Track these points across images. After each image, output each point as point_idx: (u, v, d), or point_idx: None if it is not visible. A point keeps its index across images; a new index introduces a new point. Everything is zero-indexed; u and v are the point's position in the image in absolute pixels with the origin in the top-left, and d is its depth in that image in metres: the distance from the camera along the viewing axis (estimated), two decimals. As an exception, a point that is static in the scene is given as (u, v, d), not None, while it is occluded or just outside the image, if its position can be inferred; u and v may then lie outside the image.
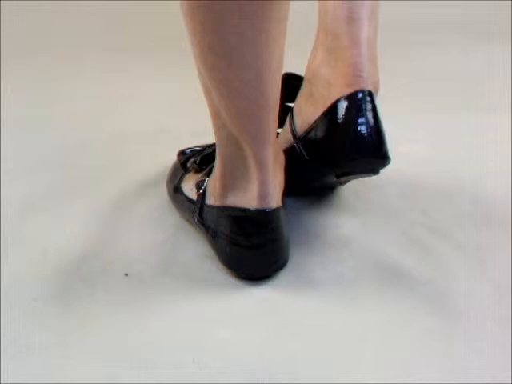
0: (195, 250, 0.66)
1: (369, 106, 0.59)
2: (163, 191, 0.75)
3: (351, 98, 0.59)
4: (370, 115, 0.59)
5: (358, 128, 0.59)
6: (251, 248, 0.59)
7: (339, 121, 0.60)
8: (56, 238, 0.68)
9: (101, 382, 0.50)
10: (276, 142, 0.60)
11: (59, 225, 0.67)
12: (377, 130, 0.59)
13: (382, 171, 0.77)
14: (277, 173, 0.60)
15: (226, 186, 0.60)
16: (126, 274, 0.62)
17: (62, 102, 1.06)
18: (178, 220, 0.71)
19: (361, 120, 0.59)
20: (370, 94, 0.59)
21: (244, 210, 0.58)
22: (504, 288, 0.59)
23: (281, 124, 0.68)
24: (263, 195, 0.58)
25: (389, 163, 0.60)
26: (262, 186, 0.58)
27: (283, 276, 0.62)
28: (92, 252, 0.66)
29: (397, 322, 0.56)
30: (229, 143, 0.57)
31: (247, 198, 0.59)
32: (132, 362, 0.52)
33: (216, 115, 0.56)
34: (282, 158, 0.63)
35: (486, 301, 0.58)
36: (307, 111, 0.64)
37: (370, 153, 0.59)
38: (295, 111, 0.67)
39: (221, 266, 0.63)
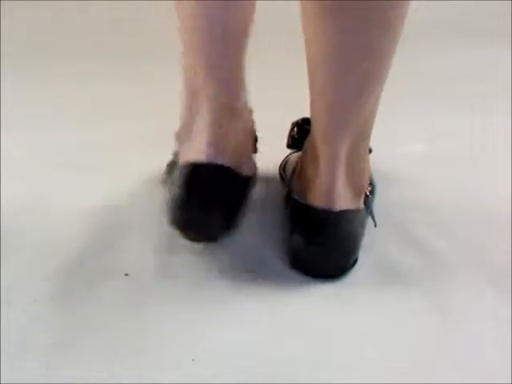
0: (195, 251, 0.65)
1: (329, 226, 0.59)
2: (164, 191, 0.75)
3: (317, 212, 0.60)
4: (325, 235, 0.59)
5: (309, 242, 0.59)
6: None
7: (301, 225, 0.60)
8: (56, 238, 0.68)
9: (101, 382, 0.50)
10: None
11: (59, 225, 0.67)
12: (323, 250, 0.59)
13: (383, 171, 0.77)
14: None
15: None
16: (126, 274, 0.62)
17: (62, 102, 1.06)
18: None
19: (315, 239, 0.59)
20: (337, 214, 0.59)
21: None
22: (504, 288, 0.59)
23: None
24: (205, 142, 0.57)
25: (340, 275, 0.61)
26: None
27: (283, 276, 0.62)
28: (92, 252, 0.65)
29: (397, 322, 0.56)
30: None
31: (193, 150, 0.58)
32: (132, 362, 0.52)
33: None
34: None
35: (486, 301, 0.58)
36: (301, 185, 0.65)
37: (306, 269, 0.61)
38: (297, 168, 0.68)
39: (220, 266, 0.63)
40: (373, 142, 0.74)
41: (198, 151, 0.57)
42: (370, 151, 0.71)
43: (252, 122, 0.65)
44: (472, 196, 0.74)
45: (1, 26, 1.28)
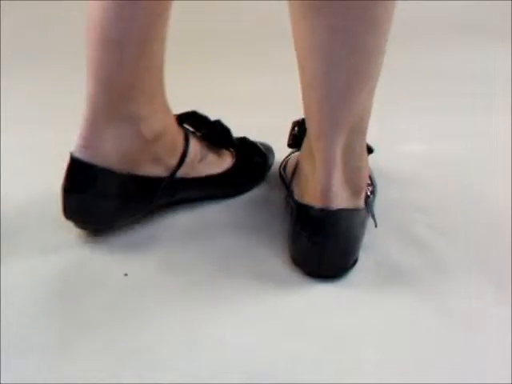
0: (195, 251, 0.65)
1: (327, 225, 0.59)
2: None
3: (314, 211, 0.60)
4: (324, 234, 0.59)
5: (308, 242, 0.60)
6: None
7: (300, 225, 0.61)
8: (56, 238, 0.68)
9: (101, 382, 0.50)
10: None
11: (59, 225, 0.67)
12: (322, 250, 0.60)
13: (383, 171, 0.77)
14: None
15: None
16: (126, 274, 0.62)
17: (62, 102, 1.05)
18: (178, 220, 0.70)
19: (314, 239, 0.59)
20: (335, 213, 0.59)
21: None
22: (504, 288, 0.59)
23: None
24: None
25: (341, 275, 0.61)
26: None
27: (282, 276, 0.62)
28: (92, 252, 0.65)
29: (397, 321, 0.56)
30: None
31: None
32: (132, 362, 0.52)
33: None
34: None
35: (486, 301, 0.58)
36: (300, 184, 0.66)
37: (306, 269, 0.61)
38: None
39: (221, 266, 0.63)
40: (373, 142, 0.74)
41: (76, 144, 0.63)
42: (371, 151, 0.71)
43: (156, 132, 0.65)
44: (472, 196, 0.74)
45: (1, 26, 1.28)
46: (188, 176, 0.69)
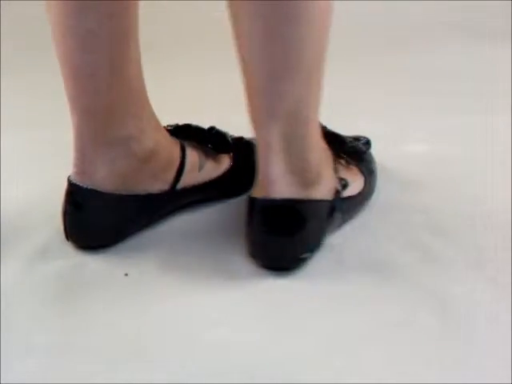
0: (195, 250, 0.65)
1: (270, 215, 0.60)
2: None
3: (257, 202, 0.60)
4: (268, 225, 0.60)
5: (256, 234, 0.61)
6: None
7: (249, 217, 0.62)
8: (56, 239, 0.68)
9: (101, 382, 0.50)
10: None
11: (59, 225, 0.67)
12: (268, 241, 0.61)
13: (382, 171, 0.77)
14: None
15: None
16: (126, 274, 0.62)
17: (62, 102, 1.05)
18: (178, 220, 0.70)
19: (261, 228, 0.60)
20: (277, 203, 0.59)
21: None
22: (504, 288, 0.59)
23: None
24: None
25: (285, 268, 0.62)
26: None
27: (282, 276, 0.62)
28: (92, 252, 0.65)
29: (397, 321, 0.56)
30: None
31: None
32: (132, 362, 0.52)
33: None
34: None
35: (486, 301, 0.58)
36: None
37: (260, 262, 0.62)
38: None
39: (221, 266, 0.63)
40: (373, 142, 0.74)
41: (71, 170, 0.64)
42: (369, 146, 0.71)
43: (149, 151, 0.65)
44: (472, 196, 0.74)
45: (1, 26, 1.28)
46: (188, 185, 0.69)
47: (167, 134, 0.68)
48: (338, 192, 0.64)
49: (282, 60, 0.56)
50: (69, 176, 0.64)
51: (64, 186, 0.64)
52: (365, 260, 0.63)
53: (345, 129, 0.72)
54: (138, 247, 0.66)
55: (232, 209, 0.73)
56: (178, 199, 0.69)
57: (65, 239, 0.66)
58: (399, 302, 0.58)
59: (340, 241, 0.66)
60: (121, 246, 0.66)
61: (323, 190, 0.63)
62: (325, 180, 0.63)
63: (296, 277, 0.61)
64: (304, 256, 0.62)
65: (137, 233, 0.68)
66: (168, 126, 0.70)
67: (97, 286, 0.61)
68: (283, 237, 0.60)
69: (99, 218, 0.65)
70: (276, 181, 0.59)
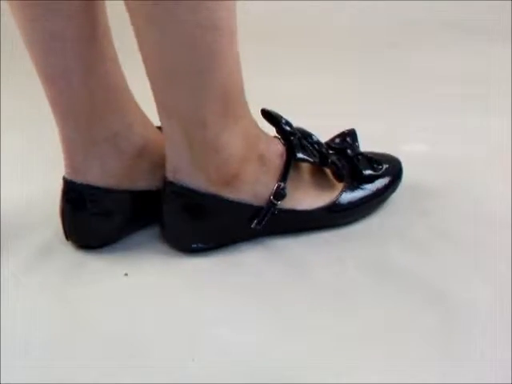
0: (195, 251, 0.65)
1: (163, 196, 0.62)
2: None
3: (164, 183, 0.62)
4: (163, 205, 0.62)
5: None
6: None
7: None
8: (56, 239, 0.68)
9: (101, 382, 0.50)
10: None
11: (59, 225, 0.67)
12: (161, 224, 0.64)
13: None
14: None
15: None
16: (126, 274, 0.62)
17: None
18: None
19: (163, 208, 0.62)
20: (169, 184, 0.61)
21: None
22: (504, 288, 0.59)
23: None
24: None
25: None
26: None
27: (283, 276, 0.62)
28: (92, 252, 0.66)
29: (397, 322, 0.56)
30: None
31: None
32: (132, 362, 0.52)
33: None
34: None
35: (486, 301, 0.58)
36: None
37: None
38: None
39: (221, 266, 0.63)
40: (373, 142, 0.74)
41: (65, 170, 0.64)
42: (356, 145, 0.70)
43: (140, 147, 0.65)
44: (472, 196, 0.74)
45: (1, 26, 1.28)
46: None
47: (158, 131, 0.68)
48: (271, 202, 0.63)
49: (172, 61, 0.55)
50: (63, 175, 0.64)
51: (60, 186, 0.64)
52: (365, 260, 0.63)
53: (345, 128, 0.72)
54: (137, 247, 0.66)
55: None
56: None
57: (65, 239, 0.66)
58: (399, 302, 0.58)
59: (339, 240, 0.66)
60: (121, 246, 0.66)
61: (243, 193, 0.62)
62: (248, 184, 0.62)
63: (296, 277, 0.61)
64: (195, 246, 0.64)
65: (137, 231, 0.68)
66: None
67: (97, 286, 0.61)
68: (181, 222, 0.63)
69: (97, 216, 0.64)
70: (180, 170, 0.60)
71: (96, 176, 0.63)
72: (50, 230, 0.69)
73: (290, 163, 0.64)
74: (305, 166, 0.67)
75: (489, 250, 0.65)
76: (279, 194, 0.63)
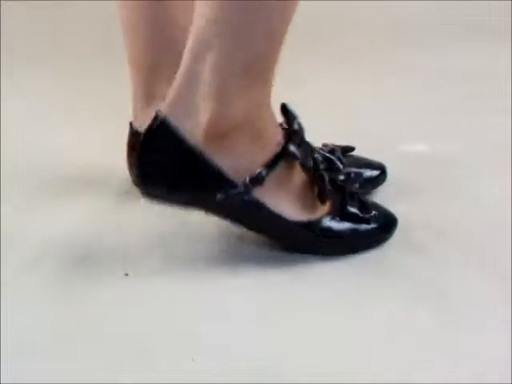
0: (195, 250, 0.66)
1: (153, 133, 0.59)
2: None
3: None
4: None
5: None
6: None
7: None
8: (56, 239, 0.68)
9: (101, 382, 0.50)
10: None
11: (59, 225, 0.67)
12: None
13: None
14: None
15: None
16: (126, 274, 0.62)
17: (62, 101, 1.06)
18: (178, 220, 0.71)
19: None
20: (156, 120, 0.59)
21: None
22: (504, 288, 0.59)
23: None
24: None
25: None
26: None
27: (283, 275, 0.62)
28: (92, 252, 0.66)
29: (397, 321, 0.56)
30: None
31: None
32: (132, 362, 0.52)
33: None
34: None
35: (486, 301, 0.58)
36: None
37: None
38: None
39: (221, 266, 0.63)
40: (373, 142, 0.74)
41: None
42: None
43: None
44: (472, 196, 0.74)
45: (1, 26, 1.28)
46: None
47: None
48: (245, 181, 0.60)
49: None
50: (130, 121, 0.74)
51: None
52: (364, 260, 0.63)
53: (345, 129, 0.72)
54: (137, 247, 0.66)
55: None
56: None
57: (64, 243, 0.66)
58: (399, 301, 0.58)
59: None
60: (121, 246, 0.66)
61: (224, 160, 0.59)
62: (233, 154, 0.60)
63: (296, 276, 0.61)
64: (158, 193, 0.62)
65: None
66: None
67: (97, 286, 0.61)
68: (155, 164, 0.60)
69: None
70: (177, 105, 0.58)
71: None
72: (50, 229, 0.69)
73: (281, 156, 0.61)
74: (297, 176, 0.64)
75: (489, 250, 0.65)
76: (256, 179, 0.60)
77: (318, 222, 0.64)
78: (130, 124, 0.74)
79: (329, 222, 0.64)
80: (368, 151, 0.76)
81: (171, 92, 0.59)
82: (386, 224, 0.67)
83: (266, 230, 0.64)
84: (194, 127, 0.58)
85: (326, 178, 0.64)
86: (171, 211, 0.72)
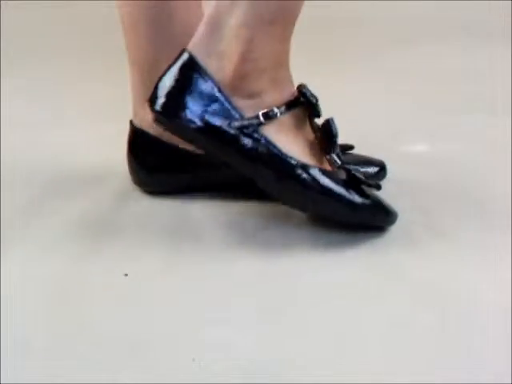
0: (195, 250, 0.66)
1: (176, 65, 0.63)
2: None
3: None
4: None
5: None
6: None
7: None
8: (56, 239, 0.68)
9: (101, 382, 0.50)
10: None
11: (59, 225, 0.67)
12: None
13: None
14: None
15: None
16: (126, 274, 0.62)
17: (62, 101, 1.06)
18: (178, 220, 0.71)
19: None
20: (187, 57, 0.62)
21: None
22: (504, 288, 0.59)
23: None
24: None
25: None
26: None
27: (283, 276, 0.62)
28: (92, 252, 0.66)
29: (397, 322, 0.56)
30: None
31: None
32: (132, 362, 0.52)
33: None
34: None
35: (486, 300, 0.58)
36: None
37: None
38: None
39: (221, 266, 0.63)
40: (373, 141, 0.74)
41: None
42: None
43: None
44: (472, 196, 0.74)
45: (1, 26, 1.28)
46: None
47: None
48: (257, 114, 0.63)
49: None
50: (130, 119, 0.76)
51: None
52: (364, 259, 0.63)
53: (344, 129, 0.72)
54: (137, 247, 0.66)
55: (238, 209, 0.73)
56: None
57: (63, 241, 0.66)
58: (399, 301, 0.58)
59: (339, 240, 0.66)
60: (121, 246, 0.66)
61: (241, 98, 0.63)
62: (252, 94, 0.63)
63: (295, 276, 0.61)
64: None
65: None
66: None
67: (97, 286, 0.61)
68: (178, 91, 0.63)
69: (148, 161, 0.75)
70: (201, 44, 0.62)
71: (149, 123, 0.67)
72: (50, 229, 0.69)
73: (298, 100, 0.64)
74: (307, 131, 0.66)
75: (489, 250, 0.65)
76: (269, 115, 0.63)
77: (314, 167, 0.64)
78: (131, 122, 0.75)
79: (324, 175, 0.64)
80: (368, 151, 0.76)
81: (194, 39, 0.62)
82: (383, 210, 0.68)
83: (271, 171, 0.64)
84: (218, 69, 0.62)
85: (337, 139, 0.66)
86: (171, 211, 0.72)
